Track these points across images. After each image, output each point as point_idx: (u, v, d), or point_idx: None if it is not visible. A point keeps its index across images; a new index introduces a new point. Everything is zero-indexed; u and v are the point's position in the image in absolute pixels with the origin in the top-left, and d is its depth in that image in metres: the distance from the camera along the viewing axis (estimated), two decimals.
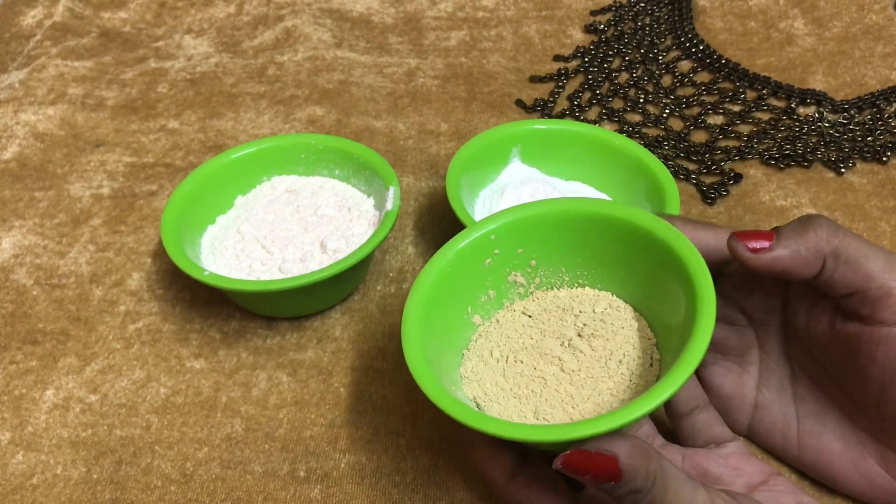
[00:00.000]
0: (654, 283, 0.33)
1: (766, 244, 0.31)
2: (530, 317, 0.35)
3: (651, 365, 0.32)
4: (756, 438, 0.36)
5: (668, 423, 0.35)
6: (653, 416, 0.37)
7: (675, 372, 0.27)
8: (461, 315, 0.35)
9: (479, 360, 0.34)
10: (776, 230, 0.31)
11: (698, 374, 0.36)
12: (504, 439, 0.29)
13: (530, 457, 0.31)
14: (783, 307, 0.34)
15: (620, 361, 0.32)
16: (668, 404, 0.35)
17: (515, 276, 0.36)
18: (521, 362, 0.33)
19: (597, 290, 0.36)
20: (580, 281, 0.36)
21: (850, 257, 0.30)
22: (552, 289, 0.36)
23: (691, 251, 0.31)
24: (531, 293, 0.36)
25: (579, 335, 0.33)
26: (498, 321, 0.35)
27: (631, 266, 0.34)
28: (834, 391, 0.34)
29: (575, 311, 0.35)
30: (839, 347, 0.32)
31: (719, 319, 0.35)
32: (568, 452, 0.26)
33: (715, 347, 0.36)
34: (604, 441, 0.26)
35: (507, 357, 0.34)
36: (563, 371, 0.32)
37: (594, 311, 0.34)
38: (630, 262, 0.34)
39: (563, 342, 0.33)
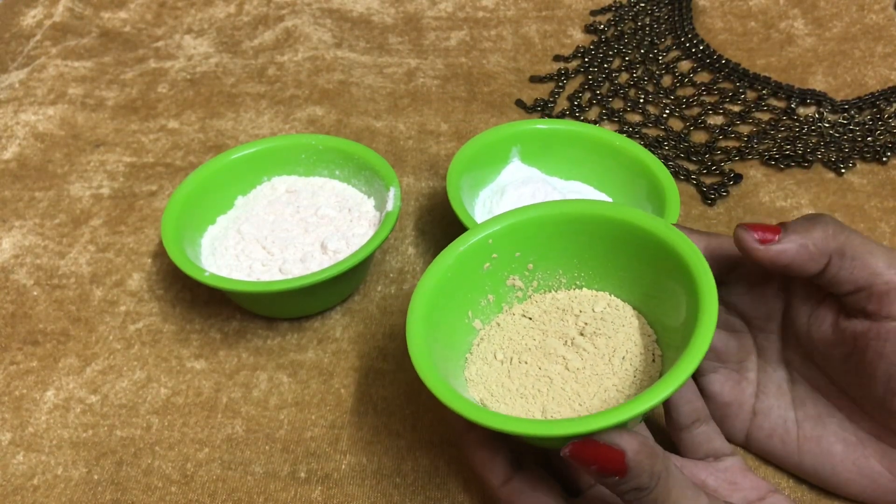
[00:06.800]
0: (653, 282, 0.33)
1: (773, 237, 0.31)
2: (531, 319, 0.35)
3: (654, 361, 0.32)
4: (755, 445, 0.36)
5: (669, 434, 0.35)
6: (653, 426, 0.37)
7: (679, 366, 0.27)
8: (462, 320, 0.35)
9: (483, 363, 0.34)
10: (783, 225, 0.31)
11: (697, 382, 0.36)
12: (508, 435, 0.29)
13: (526, 461, 0.31)
14: (784, 311, 0.34)
15: (623, 358, 0.32)
16: (669, 416, 0.35)
17: (514, 279, 0.36)
18: (526, 363, 0.33)
19: (594, 291, 0.36)
20: (577, 283, 0.36)
21: (855, 254, 0.30)
22: (550, 291, 0.36)
23: (690, 247, 0.31)
24: (529, 296, 0.36)
25: (581, 334, 0.33)
26: (499, 325, 0.35)
27: (629, 266, 0.34)
28: (834, 394, 0.34)
29: (575, 311, 0.35)
30: (843, 348, 0.32)
31: (718, 326, 0.35)
32: (577, 441, 0.26)
33: (713, 355, 0.36)
34: (613, 435, 0.26)
35: (511, 358, 0.33)
36: (567, 369, 0.32)
37: (594, 311, 0.34)
38: (628, 262, 0.34)
39: (566, 341, 0.33)
